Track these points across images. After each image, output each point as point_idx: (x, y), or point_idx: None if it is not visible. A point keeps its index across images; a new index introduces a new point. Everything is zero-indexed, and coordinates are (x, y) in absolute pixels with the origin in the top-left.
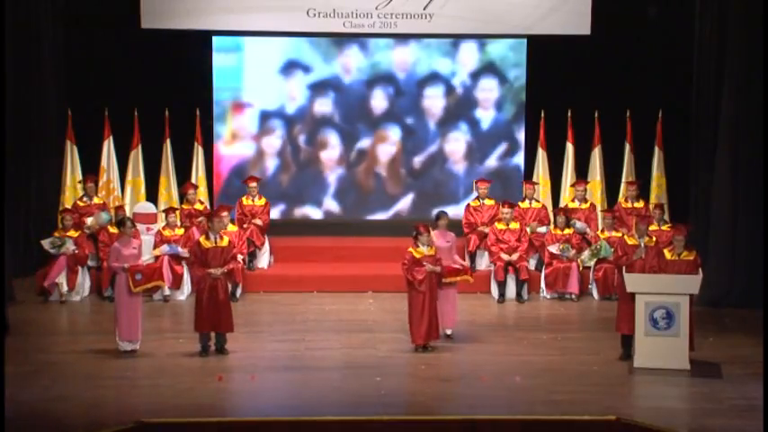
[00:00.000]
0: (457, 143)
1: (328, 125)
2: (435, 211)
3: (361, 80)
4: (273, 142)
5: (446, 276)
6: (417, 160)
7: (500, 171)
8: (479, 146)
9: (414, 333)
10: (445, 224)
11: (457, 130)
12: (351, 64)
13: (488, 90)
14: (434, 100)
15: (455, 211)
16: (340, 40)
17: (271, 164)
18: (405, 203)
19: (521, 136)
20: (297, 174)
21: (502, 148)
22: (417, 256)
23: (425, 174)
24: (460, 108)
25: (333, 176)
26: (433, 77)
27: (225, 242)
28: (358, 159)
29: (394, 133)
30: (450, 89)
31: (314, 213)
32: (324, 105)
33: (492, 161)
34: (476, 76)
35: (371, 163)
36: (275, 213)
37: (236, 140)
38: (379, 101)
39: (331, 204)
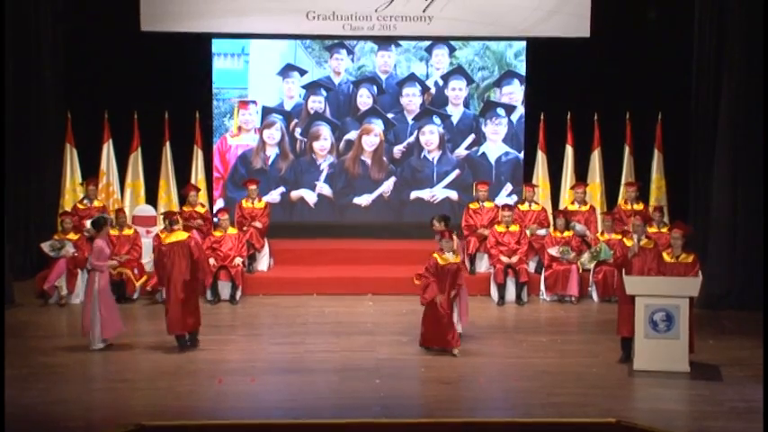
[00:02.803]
0: (431, 135)
1: (320, 119)
2: (439, 216)
3: (349, 81)
4: (274, 134)
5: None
6: (397, 149)
7: (468, 159)
8: (450, 137)
9: (423, 334)
10: (438, 227)
11: (431, 124)
12: (340, 67)
13: (457, 89)
14: (412, 98)
15: (430, 193)
16: (330, 46)
17: (271, 153)
18: (387, 186)
19: (485, 129)
20: (294, 161)
21: (469, 139)
22: (441, 262)
23: (404, 161)
24: (434, 105)
25: (325, 164)
26: (411, 78)
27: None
28: (346, 149)
29: (377, 126)
30: (425, 88)
31: (308, 196)
32: (317, 102)
33: (461, 150)
34: (447, 77)
35: (358, 152)
36: (275, 195)
37: (241, 133)
38: (364, 98)
39: (323, 188)
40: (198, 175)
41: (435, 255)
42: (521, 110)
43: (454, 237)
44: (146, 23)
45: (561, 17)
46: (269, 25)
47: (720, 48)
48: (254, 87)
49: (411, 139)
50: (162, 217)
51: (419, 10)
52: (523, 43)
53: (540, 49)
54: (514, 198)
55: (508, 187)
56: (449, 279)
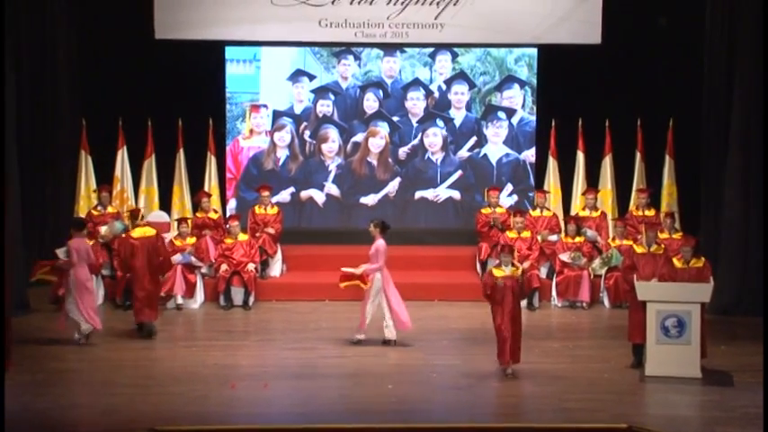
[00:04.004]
0: (435, 137)
1: (329, 122)
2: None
3: (356, 85)
4: (284, 137)
5: (341, 281)
6: (402, 151)
7: (470, 160)
8: (453, 139)
9: (499, 353)
10: (373, 232)
11: (434, 126)
12: (347, 72)
13: (460, 94)
14: (416, 101)
15: (434, 193)
16: (338, 52)
17: (281, 154)
18: (392, 187)
19: (486, 131)
20: (303, 162)
21: (471, 141)
22: (497, 274)
23: (409, 162)
24: (437, 108)
25: (332, 165)
26: (415, 83)
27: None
28: (353, 150)
29: (383, 129)
30: (428, 93)
31: (317, 196)
32: (325, 106)
33: (463, 152)
34: (449, 82)
35: (364, 153)
36: (285, 195)
37: (253, 135)
38: (370, 102)
39: (331, 188)
40: (211, 182)
41: (493, 268)
42: (521, 113)
43: (515, 251)
44: (160, 32)
45: (572, 24)
46: (281, 33)
47: (731, 53)
48: (265, 92)
49: (415, 141)
50: (128, 215)
51: (431, 17)
52: (524, 49)
53: (551, 56)
54: (515, 198)
55: (509, 187)
56: (507, 295)
